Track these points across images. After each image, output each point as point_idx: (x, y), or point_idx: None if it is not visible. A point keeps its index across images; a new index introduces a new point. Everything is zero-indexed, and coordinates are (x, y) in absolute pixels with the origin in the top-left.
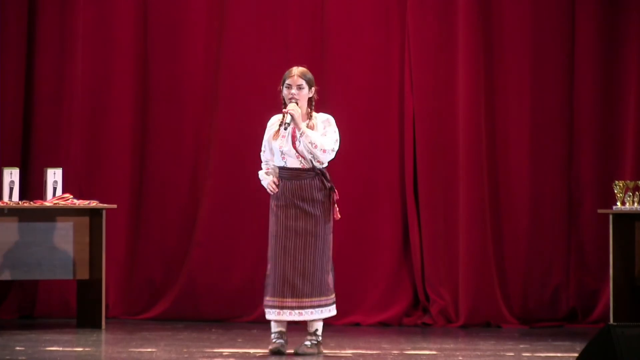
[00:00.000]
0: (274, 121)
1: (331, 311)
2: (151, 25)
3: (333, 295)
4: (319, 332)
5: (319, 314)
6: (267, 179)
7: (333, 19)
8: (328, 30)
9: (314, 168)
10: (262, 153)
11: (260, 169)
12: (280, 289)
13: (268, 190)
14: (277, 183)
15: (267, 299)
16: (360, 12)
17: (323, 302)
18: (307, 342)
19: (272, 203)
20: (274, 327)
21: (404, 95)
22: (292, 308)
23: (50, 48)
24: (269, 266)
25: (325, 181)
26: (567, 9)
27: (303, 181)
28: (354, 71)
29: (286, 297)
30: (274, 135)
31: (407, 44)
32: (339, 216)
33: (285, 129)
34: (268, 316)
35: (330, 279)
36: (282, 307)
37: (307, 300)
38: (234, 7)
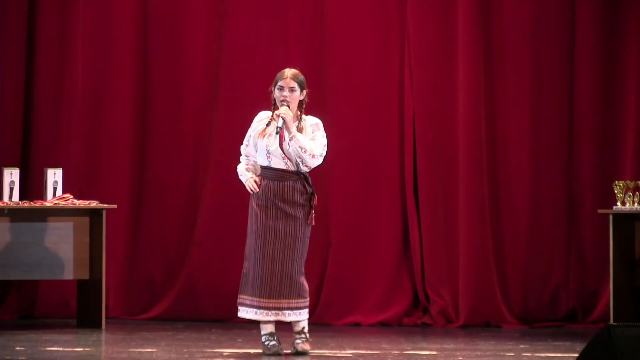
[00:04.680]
0: (262, 117)
1: (305, 314)
2: (151, 25)
3: (308, 299)
4: (306, 330)
5: (297, 316)
6: (246, 175)
7: (333, 19)
8: (328, 30)
9: (297, 171)
10: (244, 147)
11: (239, 162)
12: (258, 289)
13: (248, 188)
14: (259, 182)
15: (245, 298)
16: (360, 12)
17: (302, 304)
18: (299, 341)
19: (253, 202)
20: (264, 329)
21: (404, 95)
22: (269, 309)
23: (50, 48)
24: (247, 264)
25: (307, 185)
26: (567, 9)
27: (286, 183)
28: (354, 71)
29: (264, 297)
30: (261, 133)
31: (407, 44)
32: (314, 223)
33: (277, 133)
34: (245, 315)
35: (305, 281)
36: (262, 308)
37: (285, 301)
38: (234, 7)
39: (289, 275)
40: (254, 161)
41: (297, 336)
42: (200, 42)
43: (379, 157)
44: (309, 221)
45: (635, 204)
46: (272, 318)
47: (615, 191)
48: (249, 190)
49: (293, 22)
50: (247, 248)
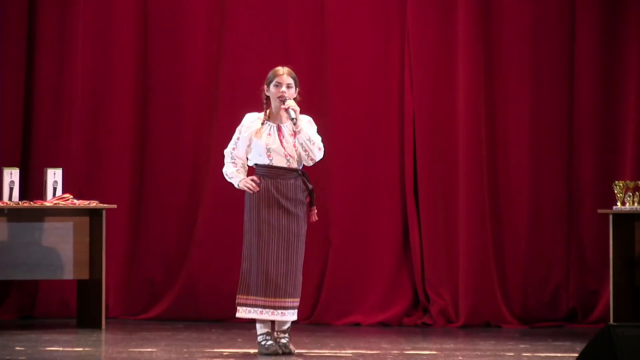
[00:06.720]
0: (253, 119)
1: (296, 314)
2: (151, 25)
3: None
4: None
5: (292, 316)
6: (239, 177)
7: (333, 19)
8: (328, 30)
9: (297, 169)
10: (231, 150)
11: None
12: (263, 289)
13: (246, 188)
14: (258, 182)
15: (245, 297)
16: (360, 12)
17: (297, 304)
18: (284, 340)
19: (253, 201)
20: (260, 329)
21: (404, 95)
22: (274, 308)
23: (50, 48)
24: (245, 264)
25: (307, 182)
26: (567, 9)
27: (288, 181)
28: (354, 71)
29: (269, 297)
30: (256, 134)
31: (407, 44)
32: (317, 218)
33: (295, 123)
34: (246, 315)
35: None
36: (264, 307)
37: (289, 300)
38: (234, 7)
39: (293, 274)
40: (242, 164)
41: (282, 335)
42: (200, 42)
43: (379, 157)
44: (311, 218)
45: (635, 204)
46: (268, 317)
47: (615, 191)
48: (248, 190)
49: (293, 22)
50: (247, 248)
